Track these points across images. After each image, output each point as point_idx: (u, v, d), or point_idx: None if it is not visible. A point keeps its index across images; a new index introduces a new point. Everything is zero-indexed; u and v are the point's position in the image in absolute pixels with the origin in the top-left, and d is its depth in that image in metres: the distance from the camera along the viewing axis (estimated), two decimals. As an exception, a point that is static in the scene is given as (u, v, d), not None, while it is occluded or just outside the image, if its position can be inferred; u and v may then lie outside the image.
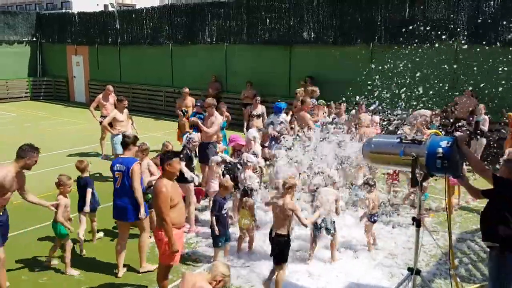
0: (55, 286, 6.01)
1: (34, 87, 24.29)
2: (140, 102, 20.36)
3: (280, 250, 5.65)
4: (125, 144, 6.30)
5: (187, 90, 12.94)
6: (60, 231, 6.32)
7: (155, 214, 5.40)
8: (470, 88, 11.87)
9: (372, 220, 6.86)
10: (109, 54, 21.70)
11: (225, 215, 6.38)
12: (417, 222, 4.94)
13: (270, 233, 5.79)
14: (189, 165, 7.52)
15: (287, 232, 5.67)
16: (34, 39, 24.61)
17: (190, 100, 12.58)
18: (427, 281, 5.80)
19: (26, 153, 5.48)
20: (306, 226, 5.96)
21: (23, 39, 24.25)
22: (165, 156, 5.36)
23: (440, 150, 4.49)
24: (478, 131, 10.62)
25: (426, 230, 5.56)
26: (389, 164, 5.27)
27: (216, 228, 6.23)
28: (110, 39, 21.60)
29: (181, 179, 7.23)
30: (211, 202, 8.50)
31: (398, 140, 4.87)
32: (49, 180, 10.36)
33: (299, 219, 5.69)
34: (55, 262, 6.58)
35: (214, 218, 6.26)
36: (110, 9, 29.70)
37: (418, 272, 5.06)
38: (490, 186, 4.65)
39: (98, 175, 10.70)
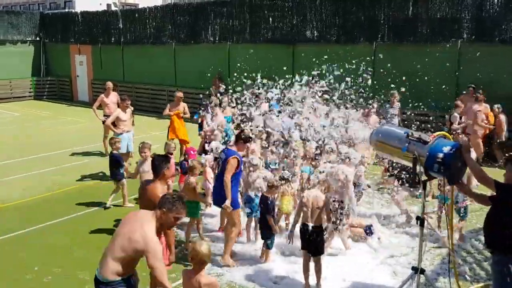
0: (59, 286, 6.02)
1: (37, 87, 24.34)
2: (143, 101, 20.37)
3: (315, 242, 5.71)
4: (237, 138, 6.66)
5: (180, 94, 11.38)
6: (196, 209, 6.97)
7: None
8: (472, 86, 11.82)
9: (368, 232, 6.94)
10: (112, 54, 21.71)
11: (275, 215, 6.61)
12: (421, 221, 4.93)
13: (302, 228, 5.81)
14: None
15: (320, 224, 5.77)
16: (38, 38, 24.65)
17: (182, 106, 11.18)
18: (431, 280, 5.79)
19: (170, 206, 3.99)
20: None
21: (27, 39, 24.29)
22: (160, 160, 5.09)
23: (441, 155, 4.43)
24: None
25: (431, 229, 5.56)
26: (392, 156, 5.24)
27: (276, 228, 6.42)
28: (113, 39, 21.62)
29: None
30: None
31: (405, 135, 4.84)
32: (50, 180, 10.43)
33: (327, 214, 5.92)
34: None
35: (272, 219, 6.34)
36: (113, 8, 29.71)
37: (422, 271, 5.05)
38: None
39: (101, 174, 10.71)
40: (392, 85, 11.68)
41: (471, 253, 6.79)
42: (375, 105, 10.39)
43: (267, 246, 6.46)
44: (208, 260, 4.03)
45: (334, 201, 6.37)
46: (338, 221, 6.42)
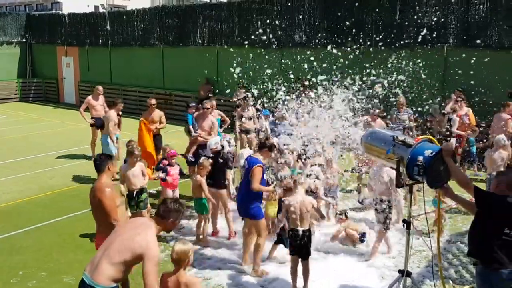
0: (44, 290, 5.95)
1: (23, 88, 24.07)
2: (131, 104, 20.25)
3: (305, 246, 5.70)
4: (263, 146, 6.50)
5: (153, 101, 10.55)
6: (204, 206, 7.05)
7: (95, 217, 5.22)
8: (460, 89, 12.00)
9: (362, 240, 6.99)
10: (99, 56, 21.57)
11: None
12: (408, 225, 4.96)
13: (291, 232, 5.77)
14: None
15: (308, 227, 5.76)
16: (24, 40, 24.40)
17: (157, 114, 10.46)
18: (418, 283, 5.84)
19: (171, 214, 4.06)
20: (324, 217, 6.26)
21: (13, 40, 24.02)
22: (102, 158, 5.22)
23: (421, 158, 4.47)
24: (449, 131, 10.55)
25: (417, 233, 5.61)
26: (379, 158, 5.32)
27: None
28: (100, 40, 21.49)
29: (215, 184, 7.32)
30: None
31: (392, 138, 4.88)
32: (36, 183, 10.32)
33: (318, 211, 5.90)
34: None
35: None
36: (101, 10, 29.56)
37: (408, 274, 5.09)
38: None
39: (87, 177, 10.62)
40: (380, 90, 11.78)
41: (457, 256, 6.86)
42: (377, 110, 10.23)
43: (286, 246, 6.50)
44: (181, 259, 3.96)
45: (381, 201, 6.47)
46: (387, 221, 6.52)
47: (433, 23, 12.89)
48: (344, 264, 6.56)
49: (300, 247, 5.72)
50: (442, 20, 12.77)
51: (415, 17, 13.13)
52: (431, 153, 4.47)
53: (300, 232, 5.68)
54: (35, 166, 11.63)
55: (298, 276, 5.86)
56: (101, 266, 3.81)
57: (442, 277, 5.28)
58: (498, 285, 4.27)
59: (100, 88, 12.63)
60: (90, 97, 12.52)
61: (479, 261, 4.38)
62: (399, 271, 5.17)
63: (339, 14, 14.55)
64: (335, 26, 14.68)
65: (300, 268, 5.86)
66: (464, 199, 4.72)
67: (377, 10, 13.79)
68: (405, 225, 4.99)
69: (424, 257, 6.78)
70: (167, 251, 6.96)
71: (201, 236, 7.16)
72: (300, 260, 5.82)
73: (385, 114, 10.53)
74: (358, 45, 14.11)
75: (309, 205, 5.78)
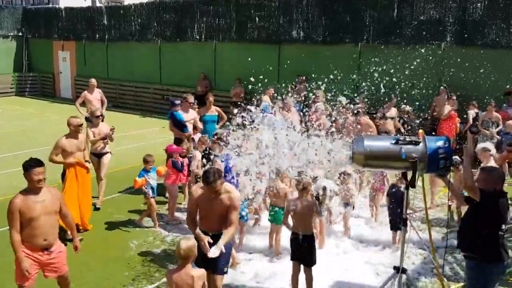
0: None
1: (19, 83, 23.96)
2: (128, 99, 20.20)
3: (308, 251, 5.49)
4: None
5: (77, 121, 7.74)
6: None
7: None
8: (444, 85, 12.09)
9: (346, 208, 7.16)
10: (96, 50, 21.48)
11: None
12: (404, 221, 4.96)
13: (294, 237, 5.55)
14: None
15: (311, 233, 5.56)
16: (20, 34, 24.25)
17: (82, 139, 7.84)
18: (413, 279, 5.84)
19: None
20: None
21: (9, 34, 23.88)
22: (28, 164, 4.85)
23: (441, 150, 4.50)
24: None
25: (413, 230, 5.58)
26: (387, 166, 5.08)
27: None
28: (97, 35, 21.39)
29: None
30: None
31: (394, 141, 4.78)
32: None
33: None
34: None
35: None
36: (98, 4, 29.41)
37: (404, 270, 5.08)
38: None
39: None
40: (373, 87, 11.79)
41: (451, 253, 6.86)
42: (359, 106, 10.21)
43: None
44: (188, 255, 4.10)
45: None
46: None
47: (430, 20, 12.90)
48: (339, 261, 6.55)
49: (300, 252, 5.50)
50: (439, 17, 12.77)
51: (413, 14, 13.14)
52: (445, 143, 4.54)
53: (301, 237, 5.45)
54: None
55: (300, 282, 5.65)
56: None
57: (439, 273, 5.28)
58: (491, 278, 4.43)
59: (93, 80, 12.48)
60: (86, 91, 12.43)
61: (474, 256, 4.47)
62: (394, 267, 5.17)
63: (337, 10, 14.53)
64: (333, 22, 14.65)
65: (303, 276, 5.62)
66: (459, 192, 4.80)
67: (375, 6, 13.79)
68: (401, 221, 4.98)
69: (420, 253, 6.78)
70: (162, 246, 6.96)
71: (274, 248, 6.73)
72: (303, 267, 5.57)
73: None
74: (355, 42, 14.14)
75: (312, 209, 5.57)
